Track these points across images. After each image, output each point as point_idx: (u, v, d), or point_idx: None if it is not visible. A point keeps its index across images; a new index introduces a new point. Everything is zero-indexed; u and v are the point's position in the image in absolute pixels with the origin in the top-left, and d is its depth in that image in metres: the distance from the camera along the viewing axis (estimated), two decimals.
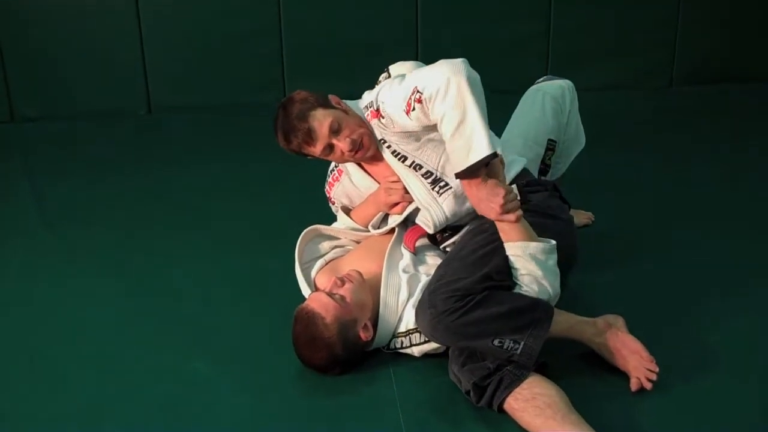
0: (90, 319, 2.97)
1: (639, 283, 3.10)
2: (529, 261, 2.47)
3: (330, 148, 2.70)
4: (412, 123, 2.58)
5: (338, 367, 2.55)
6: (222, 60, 5.45)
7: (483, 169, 2.44)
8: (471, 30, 5.52)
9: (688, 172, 4.26)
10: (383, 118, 2.66)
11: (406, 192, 2.79)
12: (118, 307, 3.05)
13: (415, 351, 2.61)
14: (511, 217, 2.45)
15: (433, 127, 2.56)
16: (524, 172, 2.84)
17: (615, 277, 3.13)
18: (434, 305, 2.41)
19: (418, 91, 2.48)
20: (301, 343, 2.53)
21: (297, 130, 2.68)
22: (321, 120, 2.67)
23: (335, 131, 2.68)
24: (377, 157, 2.82)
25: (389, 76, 2.97)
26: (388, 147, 2.74)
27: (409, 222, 2.91)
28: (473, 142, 2.40)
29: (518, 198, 2.50)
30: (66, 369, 2.68)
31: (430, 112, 2.48)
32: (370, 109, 2.72)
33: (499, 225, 2.52)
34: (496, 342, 2.38)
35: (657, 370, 2.42)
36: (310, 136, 2.68)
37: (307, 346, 2.51)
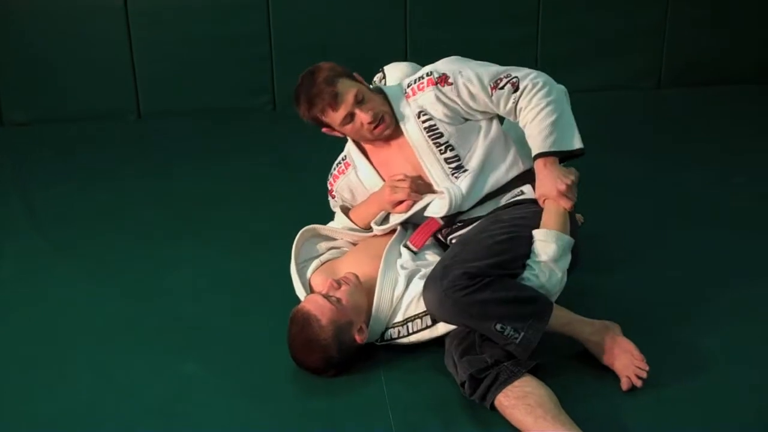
0: (83, 323, 2.97)
1: (630, 285, 3.12)
2: (556, 250, 2.55)
3: (351, 116, 2.76)
4: (484, 100, 2.75)
5: (332, 369, 2.55)
6: (211, 64, 5.45)
7: (556, 159, 2.70)
8: (460, 33, 5.53)
9: (678, 173, 4.28)
10: (448, 85, 2.76)
11: (412, 191, 2.81)
12: (110, 311, 3.05)
13: (412, 339, 2.62)
14: (569, 203, 2.62)
15: (485, 115, 2.81)
16: None
17: (605, 278, 3.14)
18: (446, 278, 2.44)
19: (515, 77, 2.73)
20: (296, 344, 2.54)
21: (323, 93, 2.73)
22: (348, 87, 2.75)
23: (360, 101, 2.75)
24: (388, 147, 2.87)
25: (384, 77, 3.02)
26: (426, 120, 2.78)
27: (409, 224, 2.92)
28: (571, 132, 2.72)
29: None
30: (60, 372, 2.68)
31: (522, 99, 2.71)
32: (423, 80, 2.81)
33: (545, 212, 2.65)
34: (498, 326, 2.42)
35: (647, 368, 2.45)
36: (335, 100, 2.73)
37: (303, 347, 2.52)
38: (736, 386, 2.51)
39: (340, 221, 3.01)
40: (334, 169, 3.06)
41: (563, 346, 2.60)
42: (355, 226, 2.96)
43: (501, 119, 2.91)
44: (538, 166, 2.70)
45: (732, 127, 5.11)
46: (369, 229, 2.94)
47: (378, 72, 3.07)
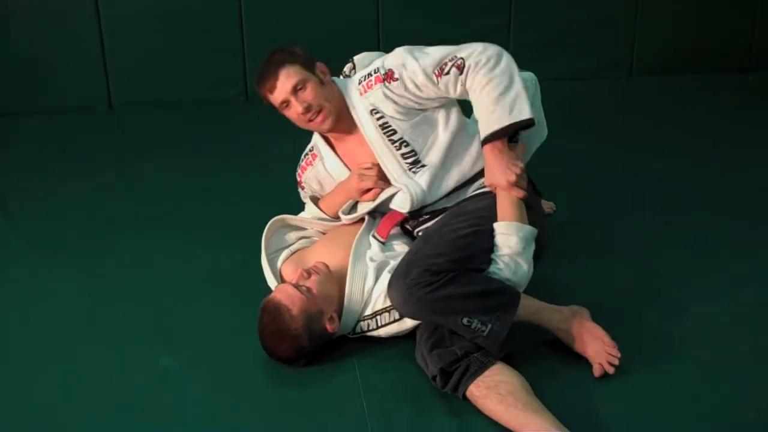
0: (56, 317, 2.95)
1: (602, 272, 3.14)
2: (518, 242, 2.53)
3: (287, 103, 2.75)
4: (431, 89, 2.69)
5: (304, 359, 2.55)
6: (183, 55, 5.42)
7: (505, 141, 2.63)
8: (433, 24, 5.54)
9: (650, 161, 4.32)
10: (394, 81, 2.71)
11: (379, 178, 2.81)
12: (83, 304, 3.03)
13: (382, 333, 2.62)
14: (520, 192, 2.59)
15: (441, 103, 2.76)
16: None
17: (577, 266, 3.16)
18: (409, 276, 2.43)
19: (459, 58, 2.64)
20: (267, 334, 2.53)
21: (268, 74, 2.73)
22: (291, 75, 2.72)
23: (297, 90, 2.72)
24: (350, 140, 2.86)
25: (354, 67, 2.99)
26: (379, 118, 2.76)
27: (377, 213, 2.92)
28: (516, 104, 2.59)
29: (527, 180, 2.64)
30: (32, 366, 2.66)
31: (468, 80, 2.63)
32: (371, 77, 2.77)
33: (499, 201, 2.62)
34: (464, 320, 2.41)
35: (619, 355, 2.46)
36: (273, 85, 2.73)
37: (274, 337, 2.52)
38: (706, 370, 2.53)
39: (310, 211, 3.01)
40: (302, 160, 3.05)
41: (534, 334, 2.61)
42: (324, 216, 2.96)
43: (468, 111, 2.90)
44: (486, 152, 2.65)
45: (702, 115, 5.16)
46: (338, 218, 2.94)
47: (348, 62, 3.05)
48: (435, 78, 2.68)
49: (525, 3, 5.68)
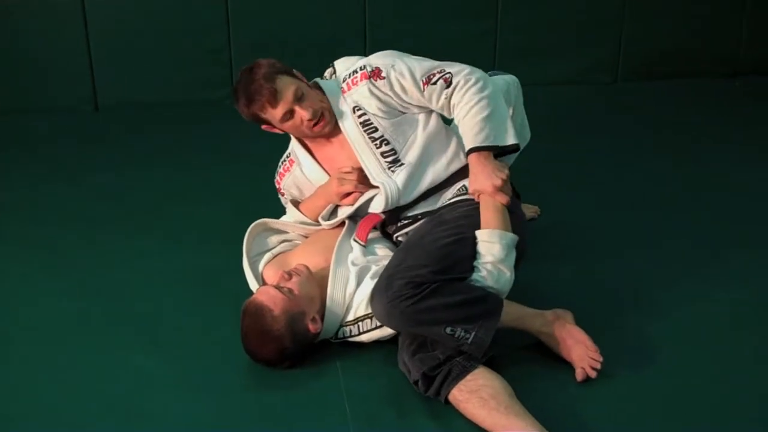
0: (35, 318, 2.94)
1: (586, 276, 3.14)
2: (501, 250, 2.54)
3: (291, 113, 2.73)
4: (416, 95, 2.74)
5: (287, 361, 2.55)
6: (169, 57, 5.40)
7: (490, 153, 2.69)
8: (419, 27, 5.54)
9: (635, 164, 4.33)
10: (381, 79, 2.74)
11: (359, 182, 2.81)
12: (62, 305, 3.01)
13: (364, 338, 2.62)
14: (504, 198, 2.62)
15: (422, 109, 2.80)
16: None
17: (562, 270, 3.17)
18: (390, 289, 2.42)
19: (448, 72, 2.71)
20: (249, 336, 2.53)
21: (263, 89, 2.69)
22: (287, 84, 2.71)
23: (299, 98, 2.72)
24: (329, 143, 2.87)
25: (334, 72, 3.00)
26: (361, 115, 2.78)
27: (358, 217, 2.92)
28: (505, 128, 2.70)
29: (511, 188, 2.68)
30: (9, 369, 2.65)
31: (455, 95, 2.70)
32: (357, 74, 2.79)
33: (483, 209, 2.63)
34: (448, 330, 2.41)
35: (601, 359, 2.47)
36: (274, 98, 2.70)
37: (256, 339, 2.51)
38: (689, 374, 2.54)
39: (291, 215, 3.01)
40: (280, 167, 3.05)
41: (517, 338, 2.61)
42: (305, 219, 2.96)
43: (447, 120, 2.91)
44: (472, 160, 2.68)
45: (689, 119, 5.17)
46: (319, 222, 2.95)
47: (329, 67, 3.06)
48: (422, 85, 2.72)
49: (511, 7, 5.68)
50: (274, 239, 2.99)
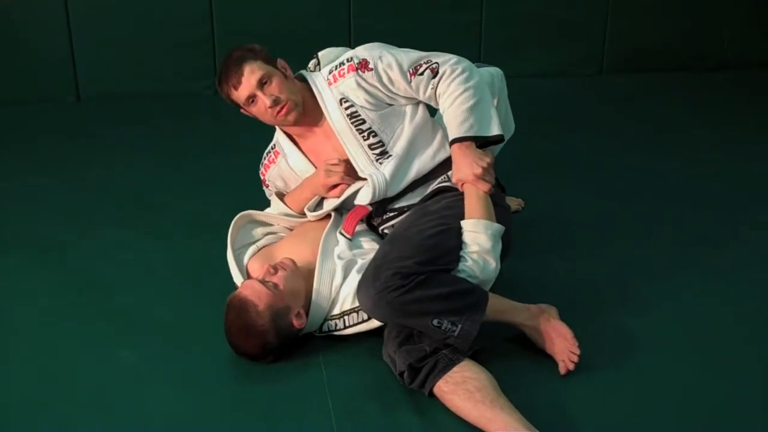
0: (18, 311, 2.91)
1: (570, 269, 3.14)
2: (486, 240, 2.53)
3: (253, 98, 2.75)
4: (404, 86, 2.74)
5: (270, 355, 2.54)
6: (152, 47, 5.38)
7: (473, 143, 2.68)
8: (405, 19, 5.54)
9: (620, 157, 4.35)
10: (368, 71, 2.74)
11: (346, 174, 2.81)
12: (45, 298, 2.99)
13: (349, 332, 2.61)
14: (486, 186, 2.61)
15: (409, 100, 2.80)
16: None
17: (547, 263, 3.17)
18: (378, 280, 2.42)
19: (434, 63, 2.72)
20: (233, 331, 2.51)
21: (231, 71, 2.74)
22: (255, 69, 2.73)
23: (263, 84, 2.73)
24: (315, 135, 2.87)
25: (318, 63, 2.98)
26: (348, 107, 2.77)
27: (344, 210, 2.91)
28: (489, 119, 2.69)
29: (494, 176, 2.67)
30: None
31: (441, 85, 2.70)
32: (344, 66, 2.79)
33: (467, 199, 2.63)
34: (435, 322, 2.40)
35: (578, 352, 2.47)
36: (239, 81, 2.73)
37: (240, 334, 2.50)
38: (675, 368, 2.55)
39: (276, 207, 2.99)
40: (264, 158, 3.05)
41: (502, 331, 2.61)
42: (290, 211, 2.95)
43: (432, 110, 2.91)
44: (454, 150, 2.69)
45: (672, 112, 5.20)
46: (304, 214, 2.94)
47: (312, 58, 3.04)
48: (409, 76, 2.72)
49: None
50: (259, 231, 2.97)
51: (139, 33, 5.35)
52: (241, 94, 2.74)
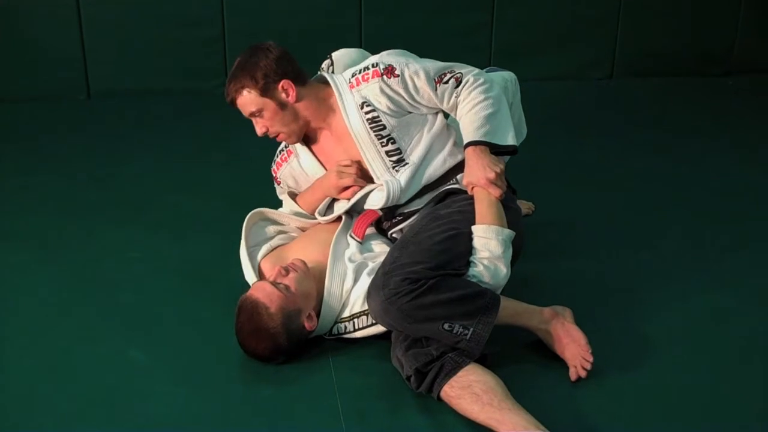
0: (24, 309, 2.92)
1: (581, 273, 3.14)
2: (497, 245, 2.53)
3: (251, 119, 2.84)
4: (429, 94, 2.75)
5: (281, 357, 2.54)
6: (163, 45, 5.37)
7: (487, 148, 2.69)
8: (415, 20, 5.53)
9: (630, 161, 4.34)
10: (394, 77, 2.74)
11: (358, 176, 2.82)
12: (53, 296, 3.00)
13: (359, 335, 2.62)
14: (497, 191, 2.61)
15: (430, 109, 2.81)
16: None
17: (555, 268, 3.17)
18: (387, 286, 2.42)
19: (458, 72, 2.75)
20: (244, 333, 2.52)
21: (229, 91, 2.80)
22: (247, 103, 2.79)
23: (254, 115, 2.80)
24: (327, 137, 2.88)
25: (332, 63, 3.00)
26: (369, 112, 2.77)
27: (355, 212, 2.92)
28: (505, 129, 2.71)
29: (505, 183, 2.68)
30: (1, 358, 2.63)
31: (463, 93, 2.72)
32: (368, 71, 2.79)
33: (477, 203, 2.63)
34: (446, 326, 2.40)
35: (591, 359, 2.47)
36: (234, 104, 2.81)
37: (251, 335, 2.50)
38: (684, 373, 2.55)
39: (288, 206, 3.00)
40: (277, 156, 3.05)
41: (514, 334, 2.61)
42: (302, 211, 2.96)
43: (447, 114, 2.91)
44: (468, 153, 2.69)
45: (682, 117, 5.18)
46: (315, 216, 2.95)
47: (326, 58, 3.04)
48: (435, 84, 2.74)
49: (508, 1, 5.68)
50: (271, 229, 2.98)
51: (150, 31, 5.34)
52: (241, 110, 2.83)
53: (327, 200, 2.92)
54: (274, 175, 3.08)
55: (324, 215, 2.92)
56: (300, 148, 2.95)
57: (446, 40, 5.53)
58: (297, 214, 2.98)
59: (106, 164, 4.29)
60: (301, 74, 2.82)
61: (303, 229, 3.00)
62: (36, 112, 5.10)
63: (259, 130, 2.82)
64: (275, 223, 3.00)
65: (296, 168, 2.98)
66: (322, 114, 2.83)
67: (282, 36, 5.28)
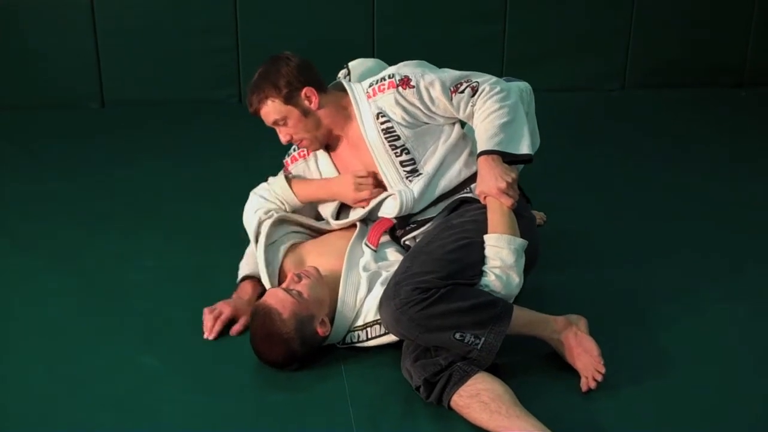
0: (39, 315, 2.93)
1: (593, 283, 3.14)
2: (510, 255, 2.53)
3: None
4: (445, 104, 2.76)
5: (295, 363, 2.55)
6: (177, 55, 5.40)
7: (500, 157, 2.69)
8: (427, 31, 5.54)
9: (641, 172, 4.34)
10: (410, 88, 2.76)
11: (375, 186, 2.83)
12: (67, 303, 3.00)
13: (372, 344, 2.62)
14: (509, 200, 2.60)
15: (446, 120, 2.82)
16: None
17: (570, 276, 3.17)
18: (398, 296, 2.42)
19: (475, 81, 2.76)
20: (258, 339, 2.53)
21: (252, 101, 2.82)
22: (270, 113, 2.81)
23: (277, 124, 2.82)
24: (344, 144, 2.90)
25: (348, 73, 3.01)
26: (384, 122, 2.79)
27: (369, 219, 2.93)
28: (521, 138, 2.71)
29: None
30: (15, 365, 2.64)
31: (479, 101, 2.72)
32: (385, 81, 2.80)
33: (490, 213, 2.62)
34: (457, 336, 2.40)
35: (603, 371, 2.46)
36: (258, 114, 2.83)
37: (265, 342, 2.51)
38: (698, 386, 2.54)
39: (277, 185, 2.97)
40: (295, 150, 3.05)
41: (522, 344, 2.60)
42: (290, 194, 2.93)
43: (463, 124, 2.91)
44: (481, 162, 2.69)
45: (694, 128, 5.17)
46: (309, 209, 3.01)
47: (343, 68, 3.05)
48: (450, 93, 2.74)
49: (519, 12, 5.68)
50: (281, 230, 2.95)
51: (163, 40, 5.36)
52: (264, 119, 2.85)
53: (336, 204, 2.94)
54: (285, 165, 3.08)
55: (337, 220, 2.94)
56: (321, 152, 2.97)
57: (459, 51, 5.53)
58: (282, 199, 2.95)
59: (119, 172, 4.31)
60: (322, 82, 2.84)
61: (314, 233, 3.00)
62: (50, 120, 5.12)
63: (284, 138, 2.84)
64: (288, 223, 2.99)
65: (312, 168, 3.00)
66: (340, 122, 2.85)
67: (295, 46, 5.30)
